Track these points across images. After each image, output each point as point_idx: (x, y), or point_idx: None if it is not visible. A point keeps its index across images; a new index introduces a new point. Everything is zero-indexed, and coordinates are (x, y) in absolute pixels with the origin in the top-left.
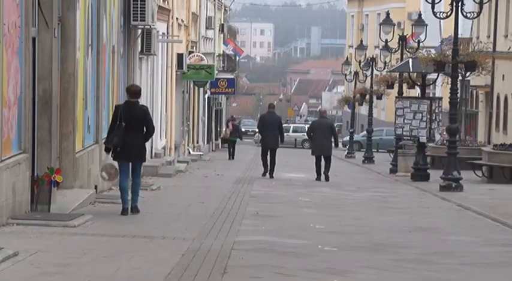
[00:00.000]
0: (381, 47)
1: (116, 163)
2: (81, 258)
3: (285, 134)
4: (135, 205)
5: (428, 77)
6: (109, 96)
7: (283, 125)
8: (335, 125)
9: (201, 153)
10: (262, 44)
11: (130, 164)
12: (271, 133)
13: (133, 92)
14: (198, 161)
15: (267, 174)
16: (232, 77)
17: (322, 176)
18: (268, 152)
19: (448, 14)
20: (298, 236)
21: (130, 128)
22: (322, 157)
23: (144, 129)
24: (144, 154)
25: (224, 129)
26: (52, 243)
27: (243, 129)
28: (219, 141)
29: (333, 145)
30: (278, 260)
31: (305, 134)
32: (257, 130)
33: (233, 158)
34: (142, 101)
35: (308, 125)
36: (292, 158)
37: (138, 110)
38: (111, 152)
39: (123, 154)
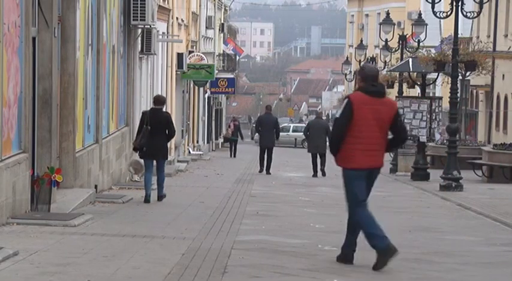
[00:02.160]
0: (380, 46)
1: (141, 160)
2: (81, 258)
3: (285, 133)
4: (161, 194)
5: (428, 76)
6: (109, 96)
7: (285, 125)
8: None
9: (201, 152)
10: (262, 44)
11: (154, 161)
12: (268, 133)
13: (159, 101)
14: (198, 160)
15: (264, 171)
16: (232, 76)
17: (319, 173)
18: (266, 151)
19: (448, 13)
20: (298, 236)
21: (155, 131)
22: (317, 154)
23: (167, 132)
24: (167, 152)
25: (226, 129)
26: (52, 243)
27: None
28: (219, 140)
29: (327, 144)
30: (278, 260)
31: None
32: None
33: (234, 156)
34: (143, 100)
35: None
36: (292, 158)
37: (162, 116)
38: (138, 151)
39: (149, 153)
